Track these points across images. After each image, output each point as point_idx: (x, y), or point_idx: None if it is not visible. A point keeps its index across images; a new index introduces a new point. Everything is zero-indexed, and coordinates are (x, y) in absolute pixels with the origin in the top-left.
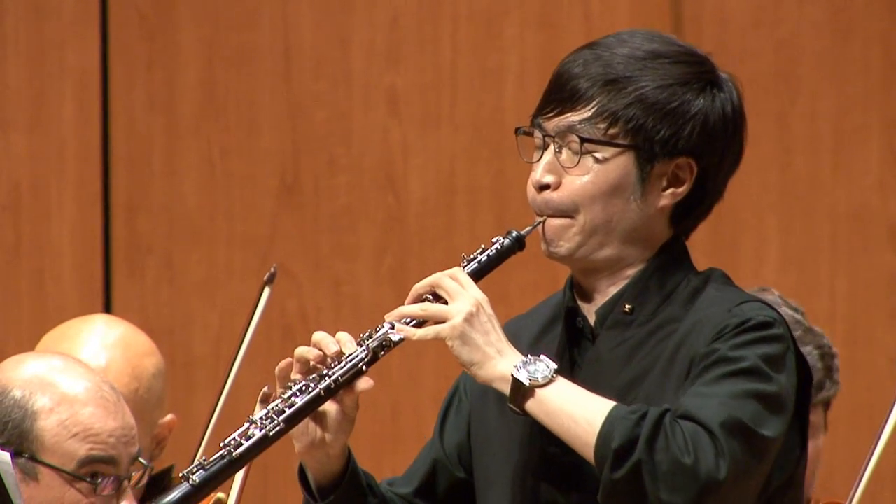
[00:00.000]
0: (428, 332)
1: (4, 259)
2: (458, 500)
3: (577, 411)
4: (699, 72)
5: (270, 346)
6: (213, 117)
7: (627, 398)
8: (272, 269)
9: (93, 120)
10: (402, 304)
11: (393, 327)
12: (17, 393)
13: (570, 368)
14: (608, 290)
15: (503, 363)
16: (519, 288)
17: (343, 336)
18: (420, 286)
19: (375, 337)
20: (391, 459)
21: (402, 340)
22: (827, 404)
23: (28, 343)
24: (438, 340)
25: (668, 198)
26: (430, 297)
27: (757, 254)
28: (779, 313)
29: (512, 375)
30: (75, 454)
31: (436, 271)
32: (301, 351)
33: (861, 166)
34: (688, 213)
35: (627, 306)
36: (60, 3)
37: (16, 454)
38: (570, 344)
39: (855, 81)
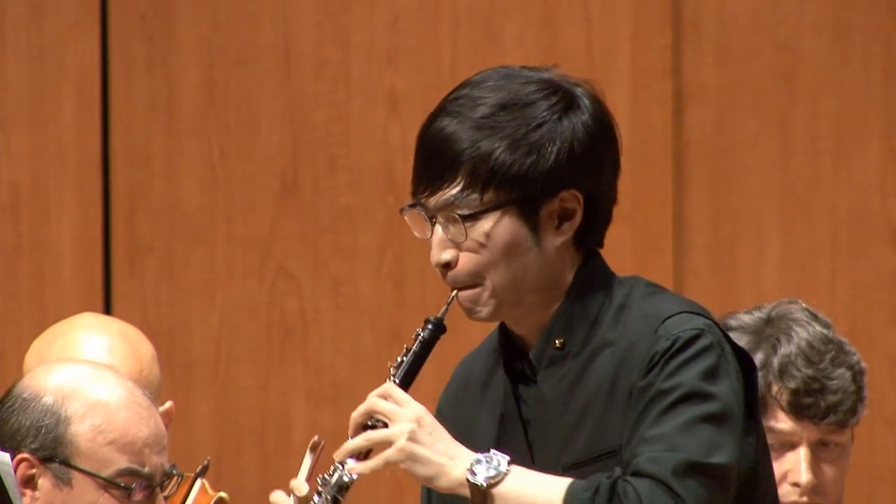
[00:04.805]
0: (378, 462)
1: (4, 259)
2: None
3: (537, 500)
4: (552, 103)
5: (270, 346)
6: (213, 117)
7: (575, 437)
8: (205, 462)
9: (93, 120)
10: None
11: (344, 468)
12: (48, 399)
13: (518, 411)
14: (538, 331)
15: (458, 469)
16: None
17: (299, 488)
18: (356, 415)
19: (332, 484)
20: None
21: (357, 478)
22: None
23: (28, 343)
24: (390, 466)
25: (564, 233)
26: (370, 421)
27: (757, 254)
28: (705, 316)
29: (468, 481)
30: (112, 464)
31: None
32: None
33: (861, 166)
34: (589, 234)
35: (558, 341)
36: (60, 3)
37: (49, 459)
38: (515, 386)
39: (855, 81)
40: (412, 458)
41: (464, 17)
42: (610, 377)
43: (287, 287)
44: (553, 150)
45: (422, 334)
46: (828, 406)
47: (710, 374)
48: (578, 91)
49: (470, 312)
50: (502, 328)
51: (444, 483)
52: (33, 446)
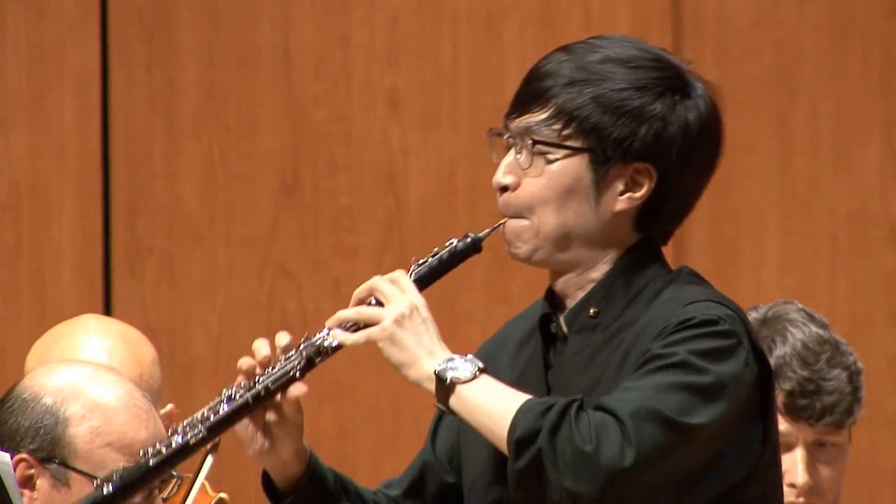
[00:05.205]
0: (360, 335)
1: (4, 259)
2: (447, 502)
3: (494, 407)
4: (661, 77)
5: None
6: (213, 117)
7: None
8: (217, 439)
9: (93, 120)
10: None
11: (329, 333)
12: (48, 400)
13: (544, 371)
14: (576, 295)
15: (431, 363)
16: (519, 288)
17: (280, 337)
18: (360, 290)
19: (311, 343)
20: (391, 459)
21: (339, 346)
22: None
23: (28, 343)
24: (371, 343)
25: (625, 202)
26: (374, 300)
27: (757, 254)
28: (733, 310)
29: (435, 373)
30: (109, 465)
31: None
32: (240, 363)
33: (861, 166)
34: (652, 218)
35: (592, 310)
36: (60, 3)
37: (47, 460)
38: (547, 348)
39: (855, 81)
40: (392, 339)
41: (464, 17)
42: (624, 351)
43: (287, 287)
44: (644, 119)
45: (456, 244)
46: (823, 407)
47: (712, 354)
48: (698, 87)
49: (510, 245)
50: (550, 289)
51: (413, 373)
52: (32, 447)
